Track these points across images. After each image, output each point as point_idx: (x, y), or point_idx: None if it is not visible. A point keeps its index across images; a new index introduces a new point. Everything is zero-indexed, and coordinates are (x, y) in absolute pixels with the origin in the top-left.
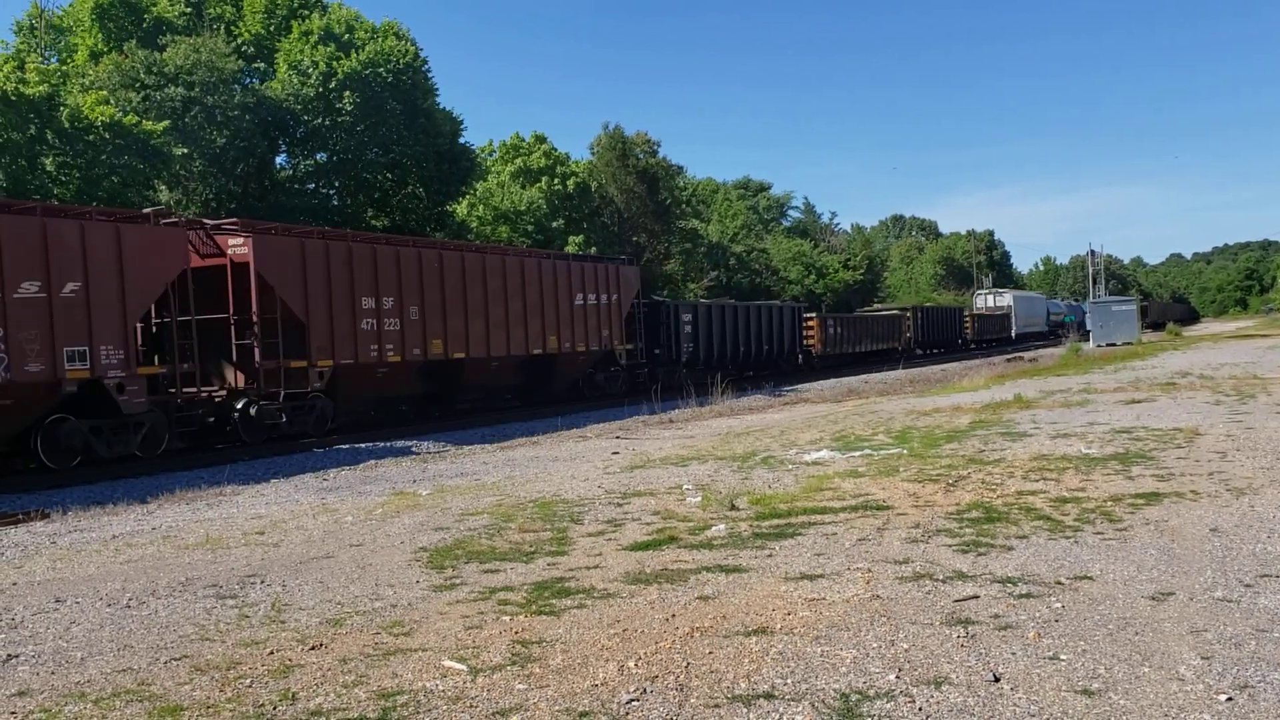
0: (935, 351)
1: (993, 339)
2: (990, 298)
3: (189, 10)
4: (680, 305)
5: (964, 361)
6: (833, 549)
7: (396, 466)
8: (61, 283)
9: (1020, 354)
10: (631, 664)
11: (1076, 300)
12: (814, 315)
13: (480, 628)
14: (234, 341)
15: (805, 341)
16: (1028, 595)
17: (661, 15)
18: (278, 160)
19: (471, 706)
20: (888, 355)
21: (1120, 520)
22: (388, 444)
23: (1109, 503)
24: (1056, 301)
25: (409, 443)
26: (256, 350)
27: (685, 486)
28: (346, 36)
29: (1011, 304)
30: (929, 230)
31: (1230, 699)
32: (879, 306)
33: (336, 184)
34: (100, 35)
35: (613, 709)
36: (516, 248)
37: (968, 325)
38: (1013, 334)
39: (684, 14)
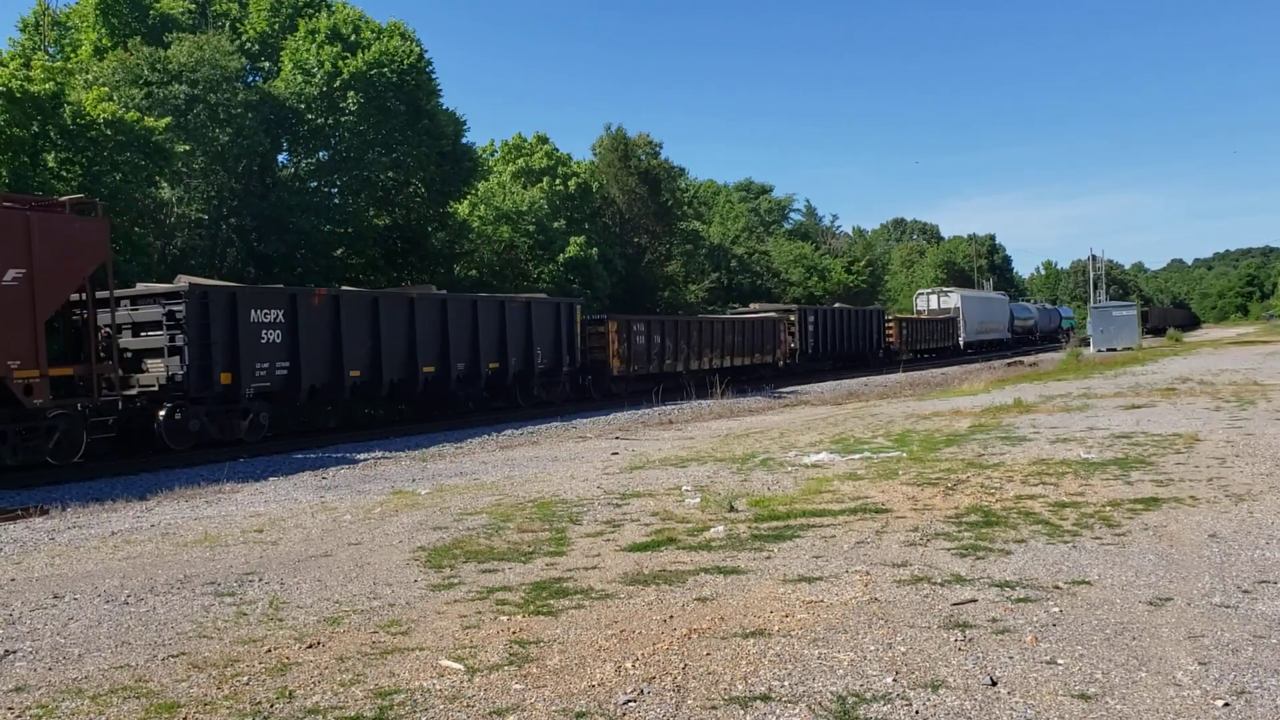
0: (841, 366)
1: (929, 349)
2: (934, 298)
3: (193, 7)
4: (242, 293)
5: (868, 377)
6: (831, 551)
7: (396, 465)
8: None
9: (1019, 359)
10: (629, 665)
11: (1053, 303)
12: (607, 317)
13: (478, 627)
14: None
15: (593, 354)
16: (1025, 599)
17: (663, 16)
18: (280, 158)
19: (468, 706)
20: (754, 373)
21: (1119, 525)
22: (386, 442)
23: (1108, 508)
24: (1025, 304)
25: (408, 441)
26: None
27: (684, 488)
28: (353, 36)
29: (959, 305)
30: (930, 234)
31: (1227, 705)
32: (757, 306)
33: (338, 183)
34: (104, 31)
35: (610, 710)
36: None
37: (890, 332)
38: (960, 342)
39: (685, 15)
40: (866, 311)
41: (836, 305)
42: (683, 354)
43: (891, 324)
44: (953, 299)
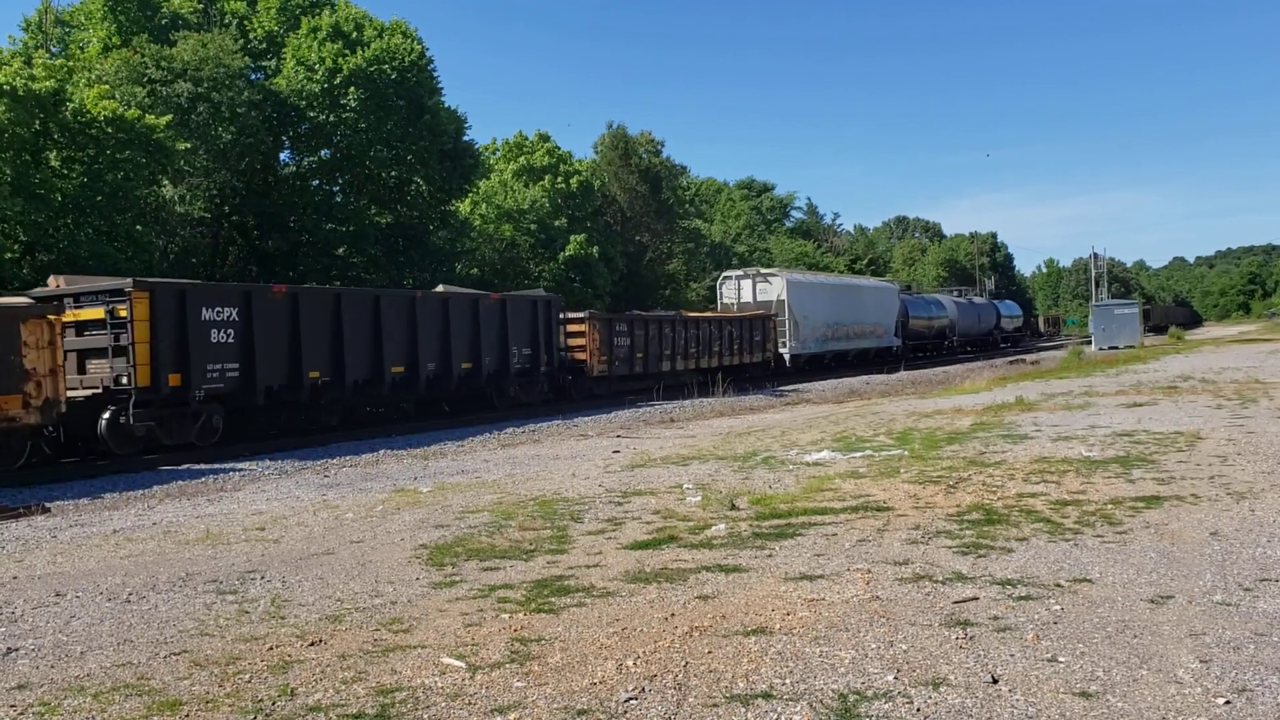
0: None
1: (689, 371)
2: (748, 284)
3: (199, 5)
4: None
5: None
6: (833, 549)
7: (398, 463)
8: None
9: (1022, 357)
10: (630, 663)
11: (993, 298)
12: None
13: (479, 625)
14: None
15: None
16: (1027, 597)
17: (665, 14)
18: (282, 156)
19: (470, 704)
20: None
21: (1120, 523)
22: (388, 439)
23: (1109, 506)
24: (937, 297)
25: (410, 438)
26: None
27: (685, 486)
28: (354, 34)
29: (784, 298)
30: (932, 232)
31: (1228, 702)
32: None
33: (340, 181)
34: (113, 28)
35: (611, 707)
36: None
37: (579, 342)
38: (785, 355)
39: (687, 14)
40: (492, 301)
41: (428, 292)
42: None
43: (581, 326)
44: (774, 287)
